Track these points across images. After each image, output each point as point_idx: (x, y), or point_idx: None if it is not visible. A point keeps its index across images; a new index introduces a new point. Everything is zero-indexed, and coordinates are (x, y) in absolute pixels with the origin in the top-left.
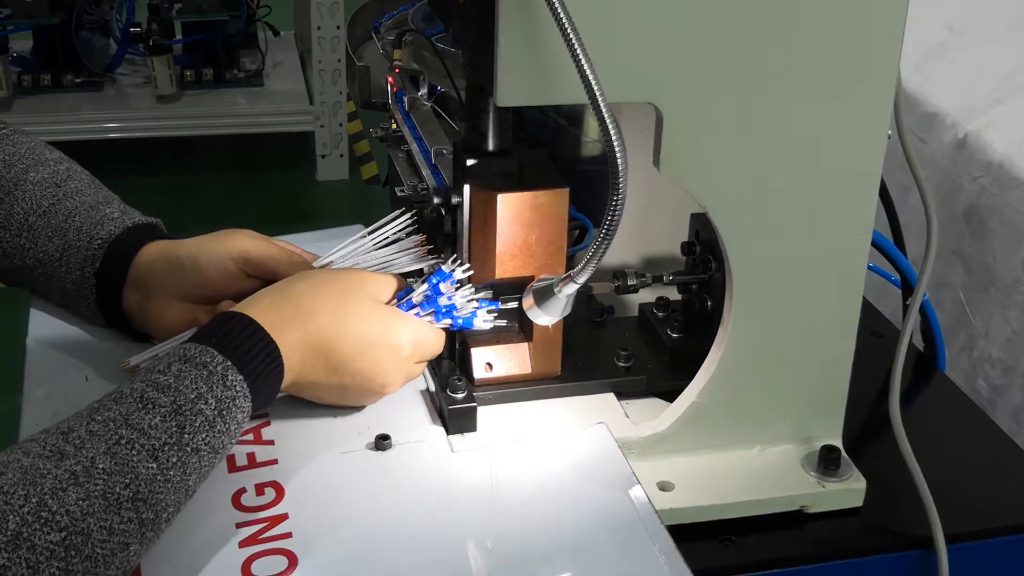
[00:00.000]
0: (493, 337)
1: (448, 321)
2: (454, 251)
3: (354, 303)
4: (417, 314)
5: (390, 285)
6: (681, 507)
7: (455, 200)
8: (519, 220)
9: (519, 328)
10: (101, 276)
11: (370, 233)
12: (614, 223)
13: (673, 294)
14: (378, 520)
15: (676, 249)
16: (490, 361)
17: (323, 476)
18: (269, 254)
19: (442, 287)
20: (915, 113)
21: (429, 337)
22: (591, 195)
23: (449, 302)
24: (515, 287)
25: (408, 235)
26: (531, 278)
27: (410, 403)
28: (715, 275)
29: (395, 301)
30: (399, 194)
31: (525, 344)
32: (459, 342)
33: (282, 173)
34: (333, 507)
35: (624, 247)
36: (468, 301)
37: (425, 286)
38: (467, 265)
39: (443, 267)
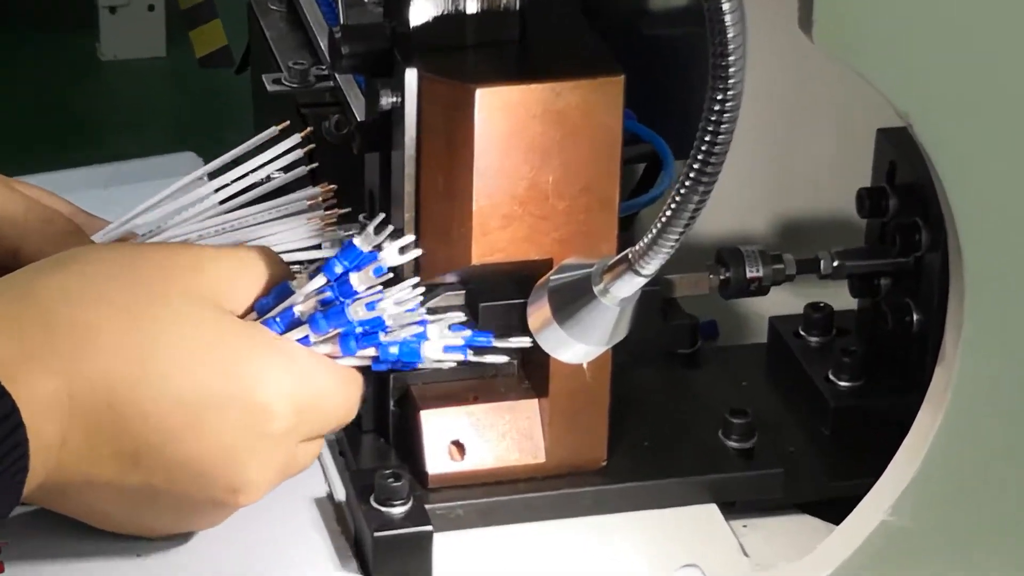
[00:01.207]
0: (467, 389)
1: (371, 351)
2: (385, 209)
3: (173, 319)
4: (306, 340)
5: (251, 277)
6: None
7: (386, 99)
8: (521, 142)
9: (519, 369)
10: None
11: (215, 175)
12: (718, 150)
13: (840, 297)
14: None
15: (846, 206)
16: (461, 439)
17: None
18: (9, 213)
19: (355, 281)
20: None
21: (328, 389)
22: (671, 91)
23: (371, 314)
24: (514, 285)
25: (294, 178)
26: (547, 264)
27: (298, 524)
28: (925, 258)
29: (256, 315)
30: (271, 88)
31: (533, 403)
32: (395, 398)
33: (35, 44)
34: None
35: (739, 201)
36: (409, 310)
37: (320, 279)
38: (411, 238)
39: (356, 241)
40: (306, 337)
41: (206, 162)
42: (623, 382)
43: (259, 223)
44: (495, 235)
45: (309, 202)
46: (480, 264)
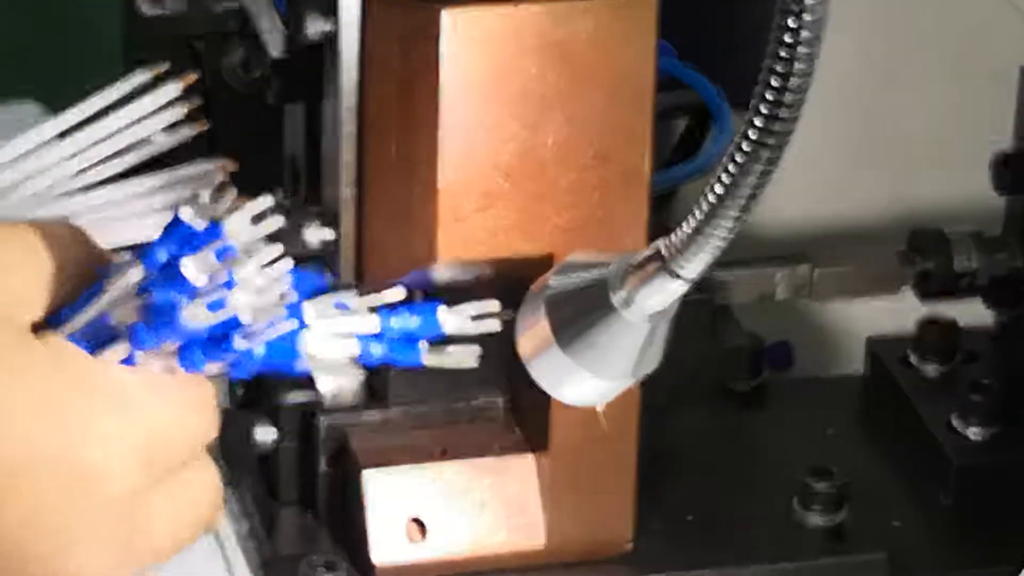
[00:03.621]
0: (431, 440)
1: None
2: (313, 183)
3: None
4: (130, 360)
5: (45, 266)
6: None
7: (315, 27)
8: (508, 88)
9: (508, 411)
10: None
11: (65, 134)
12: (790, 99)
13: (968, 308)
14: None
15: (976, 178)
16: (422, 512)
17: None
18: None
19: (190, 270)
20: None
21: (173, 419)
22: (726, 16)
23: (217, 316)
24: (497, 292)
25: (181, 141)
26: (545, 263)
27: None
28: None
29: (61, 327)
30: (149, 12)
31: (528, 460)
32: (327, 455)
33: None
34: None
35: (821, 172)
36: (276, 279)
37: (137, 272)
38: (267, 201)
39: (183, 213)
40: (130, 356)
41: (55, 114)
42: (657, 431)
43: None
44: (470, 221)
45: (194, 190)
46: (449, 265)
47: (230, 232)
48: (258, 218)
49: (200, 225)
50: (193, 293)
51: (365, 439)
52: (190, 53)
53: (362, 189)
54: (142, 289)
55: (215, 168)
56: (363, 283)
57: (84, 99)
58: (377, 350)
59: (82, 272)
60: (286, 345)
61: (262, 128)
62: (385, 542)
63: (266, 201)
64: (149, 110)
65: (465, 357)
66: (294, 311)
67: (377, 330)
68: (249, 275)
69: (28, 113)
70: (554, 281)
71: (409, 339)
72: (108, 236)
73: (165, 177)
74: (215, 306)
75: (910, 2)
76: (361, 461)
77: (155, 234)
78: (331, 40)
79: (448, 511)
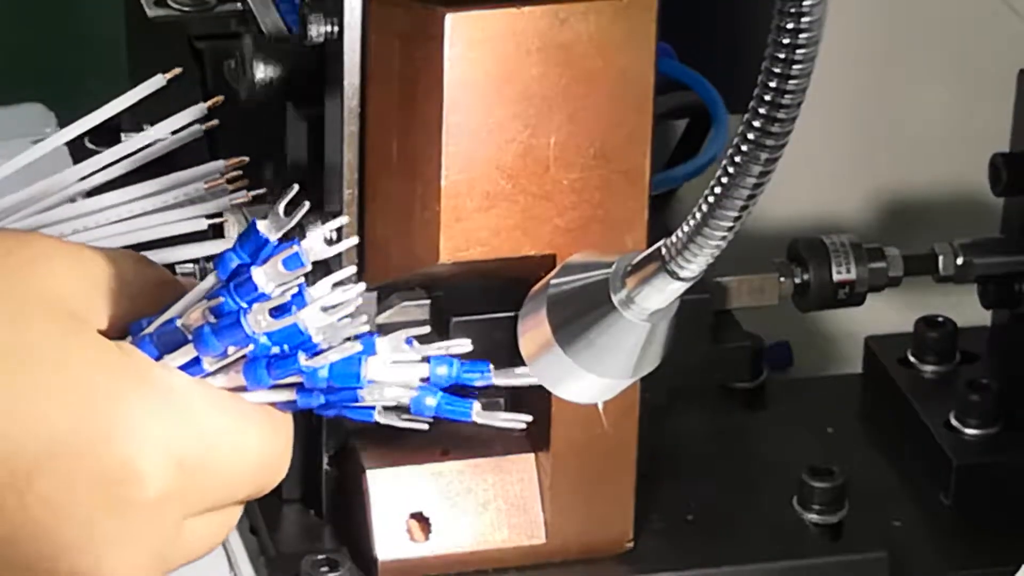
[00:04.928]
0: (433, 439)
1: (294, 381)
2: (315, 185)
3: (8, 335)
4: (198, 368)
5: (113, 284)
6: None
7: (317, 29)
8: (511, 89)
9: (509, 410)
10: None
11: (73, 145)
12: (788, 101)
13: (966, 309)
14: None
15: (973, 180)
16: (425, 510)
17: None
18: None
19: (260, 279)
20: None
21: (230, 436)
22: (725, 19)
23: (279, 323)
24: (499, 292)
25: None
26: (547, 263)
27: None
28: None
29: (131, 337)
30: (153, 13)
31: (529, 459)
32: (330, 453)
33: None
34: None
35: (820, 173)
36: (349, 318)
37: (210, 279)
38: (343, 219)
39: (260, 224)
40: (198, 364)
41: (59, 116)
42: (657, 430)
43: (135, 213)
44: (473, 221)
45: (207, 185)
46: (452, 263)
47: (306, 248)
48: (333, 235)
49: (274, 236)
50: (261, 301)
51: (368, 438)
52: (193, 54)
53: (364, 189)
54: (212, 296)
55: (220, 168)
56: (366, 283)
57: (98, 103)
58: (431, 402)
59: (151, 293)
60: (350, 370)
61: (264, 129)
62: (388, 540)
63: (343, 218)
64: (173, 129)
65: (514, 422)
66: (363, 338)
67: (427, 375)
68: (321, 293)
69: (34, 115)
70: (555, 281)
71: (457, 394)
72: (117, 238)
73: (171, 179)
74: (280, 313)
75: (909, 3)
76: (364, 461)
77: (159, 235)
78: (333, 42)
79: (450, 510)
